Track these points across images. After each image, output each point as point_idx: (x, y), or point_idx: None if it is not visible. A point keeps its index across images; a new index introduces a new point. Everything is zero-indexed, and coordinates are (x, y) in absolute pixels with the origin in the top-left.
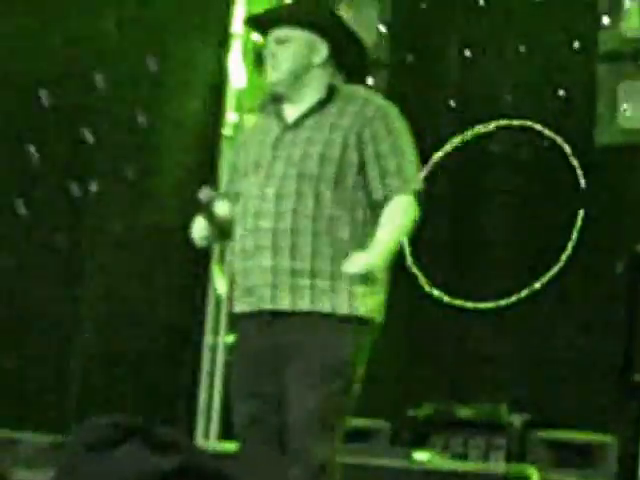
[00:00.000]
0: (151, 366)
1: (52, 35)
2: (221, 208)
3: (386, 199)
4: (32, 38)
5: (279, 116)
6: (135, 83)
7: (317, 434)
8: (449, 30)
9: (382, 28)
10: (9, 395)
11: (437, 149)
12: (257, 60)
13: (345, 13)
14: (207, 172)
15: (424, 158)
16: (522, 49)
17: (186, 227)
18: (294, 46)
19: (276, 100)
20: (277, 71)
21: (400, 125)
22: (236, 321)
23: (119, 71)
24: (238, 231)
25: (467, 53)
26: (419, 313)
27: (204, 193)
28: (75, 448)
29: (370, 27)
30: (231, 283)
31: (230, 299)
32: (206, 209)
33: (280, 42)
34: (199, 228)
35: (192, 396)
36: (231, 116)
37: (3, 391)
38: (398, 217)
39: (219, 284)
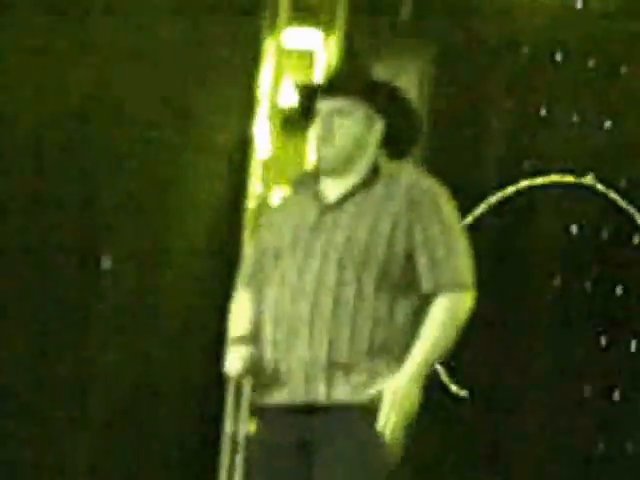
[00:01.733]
0: (169, 439)
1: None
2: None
3: (434, 295)
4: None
5: (317, 194)
6: (155, 155)
7: None
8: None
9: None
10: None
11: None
12: (285, 128)
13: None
14: (230, 250)
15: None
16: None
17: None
18: (354, 120)
19: (316, 176)
20: (331, 146)
21: (450, 210)
22: (260, 412)
23: (137, 142)
24: (269, 318)
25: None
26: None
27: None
28: None
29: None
30: (257, 373)
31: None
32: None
33: (339, 114)
34: (236, 356)
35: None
36: (256, 188)
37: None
38: (440, 326)
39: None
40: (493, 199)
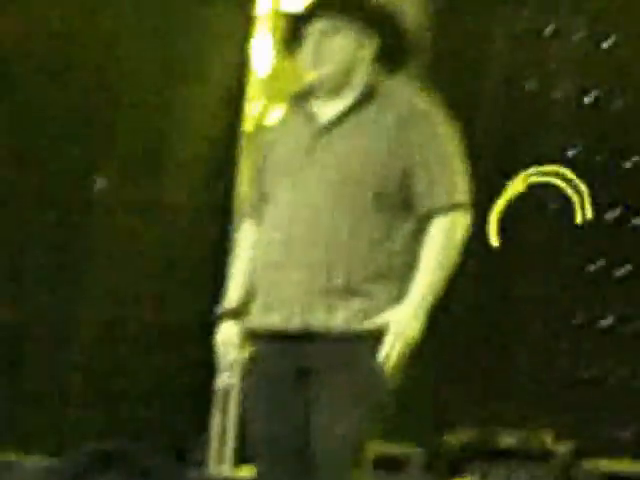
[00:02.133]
0: (159, 387)
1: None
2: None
3: (431, 216)
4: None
5: (311, 115)
6: (150, 72)
7: (346, 461)
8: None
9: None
10: (4, 417)
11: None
12: (284, 46)
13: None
14: (227, 166)
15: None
16: None
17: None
18: (343, 39)
19: (309, 96)
20: (321, 66)
21: (445, 129)
22: (255, 337)
23: (136, 59)
24: (264, 240)
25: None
26: (455, 330)
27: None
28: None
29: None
30: (253, 296)
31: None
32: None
33: (327, 34)
34: (225, 335)
35: (205, 417)
36: (254, 107)
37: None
38: (440, 250)
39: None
40: None
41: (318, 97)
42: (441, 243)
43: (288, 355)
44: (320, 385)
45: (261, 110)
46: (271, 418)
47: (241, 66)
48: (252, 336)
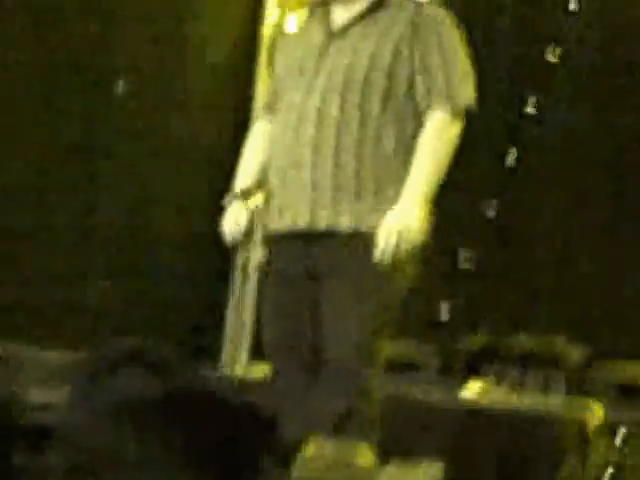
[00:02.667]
0: (175, 284)
1: None
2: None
3: (427, 113)
4: None
5: (325, 20)
6: None
7: (356, 359)
8: None
9: None
10: (21, 311)
11: None
12: None
13: None
14: (247, 70)
15: None
16: None
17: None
18: None
19: (327, 2)
20: None
21: (454, 35)
22: (269, 239)
23: None
24: (276, 145)
25: None
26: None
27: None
28: (80, 373)
29: None
30: (265, 200)
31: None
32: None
33: None
34: (233, 215)
35: (220, 317)
36: (273, 13)
37: (15, 306)
38: (432, 144)
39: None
40: None
41: (336, 3)
42: (435, 139)
43: (298, 256)
44: (328, 286)
45: (280, 15)
46: (283, 319)
47: None
48: (268, 239)
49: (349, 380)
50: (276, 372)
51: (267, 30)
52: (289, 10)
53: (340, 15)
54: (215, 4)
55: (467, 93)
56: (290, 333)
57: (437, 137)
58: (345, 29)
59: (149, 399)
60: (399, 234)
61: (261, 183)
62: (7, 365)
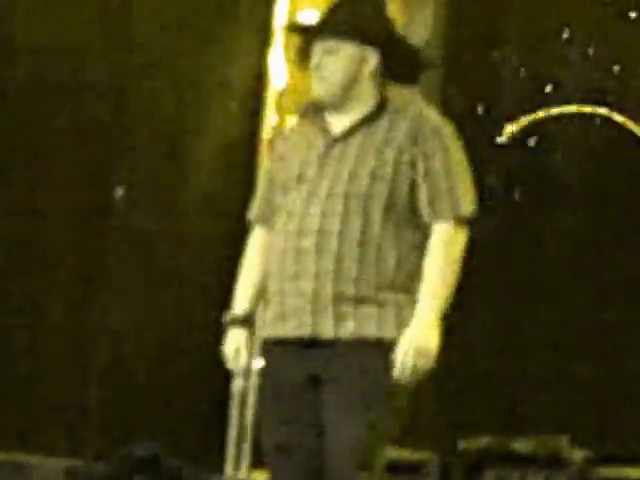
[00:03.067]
0: (179, 392)
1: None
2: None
3: (432, 224)
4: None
5: (324, 127)
6: (170, 83)
7: (359, 466)
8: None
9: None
10: (22, 416)
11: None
12: (300, 58)
13: (396, 12)
14: (245, 177)
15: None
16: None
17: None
18: (343, 57)
19: (321, 109)
20: (325, 84)
21: (454, 144)
22: (267, 346)
23: (154, 70)
24: (275, 250)
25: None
26: (470, 333)
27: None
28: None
29: (425, 23)
30: (265, 307)
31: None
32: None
33: (328, 53)
34: (234, 342)
35: (223, 424)
36: (271, 118)
37: (17, 412)
38: (442, 261)
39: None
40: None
41: (334, 111)
42: (443, 254)
43: (299, 363)
44: (331, 392)
45: (279, 120)
46: (283, 426)
47: (259, 78)
48: (265, 345)
49: None
50: (277, 479)
51: (266, 134)
52: (288, 114)
53: (337, 122)
54: (214, 109)
55: (470, 202)
56: (290, 440)
57: (445, 251)
58: (345, 136)
59: None
60: (416, 354)
61: (261, 295)
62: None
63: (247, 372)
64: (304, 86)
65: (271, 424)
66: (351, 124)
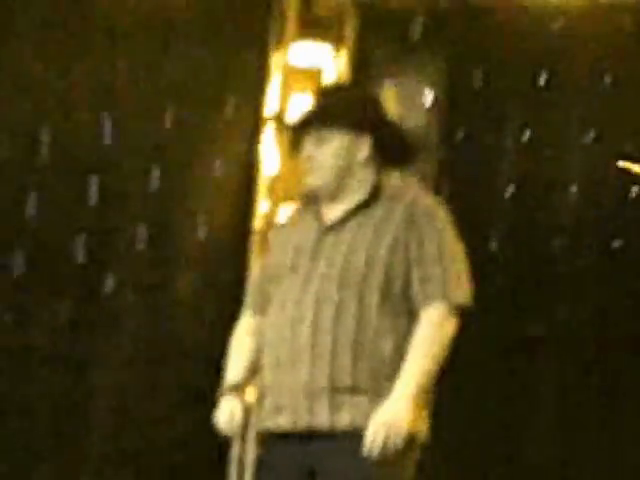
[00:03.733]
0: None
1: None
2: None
3: (421, 308)
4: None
5: (318, 216)
6: (159, 173)
7: None
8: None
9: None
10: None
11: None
12: (291, 148)
13: (390, 94)
14: (236, 268)
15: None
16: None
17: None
18: (334, 146)
19: (314, 198)
20: (316, 174)
21: (447, 228)
22: (264, 437)
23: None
24: (269, 343)
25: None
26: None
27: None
28: None
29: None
30: (259, 398)
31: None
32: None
33: (319, 142)
34: (228, 408)
35: None
36: (262, 207)
37: None
38: (427, 342)
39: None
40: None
41: (328, 200)
42: (428, 334)
43: (295, 455)
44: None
45: (270, 209)
46: None
47: (250, 166)
48: (262, 437)
49: None
50: None
51: (258, 223)
52: (279, 202)
53: (331, 210)
54: (205, 194)
55: (463, 290)
56: None
57: (432, 334)
58: (338, 224)
59: None
60: (387, 428)
61: (252, 377)
62: None
63: (243, 438)
64: (296, 174)
65: None
66: (344, 212)
